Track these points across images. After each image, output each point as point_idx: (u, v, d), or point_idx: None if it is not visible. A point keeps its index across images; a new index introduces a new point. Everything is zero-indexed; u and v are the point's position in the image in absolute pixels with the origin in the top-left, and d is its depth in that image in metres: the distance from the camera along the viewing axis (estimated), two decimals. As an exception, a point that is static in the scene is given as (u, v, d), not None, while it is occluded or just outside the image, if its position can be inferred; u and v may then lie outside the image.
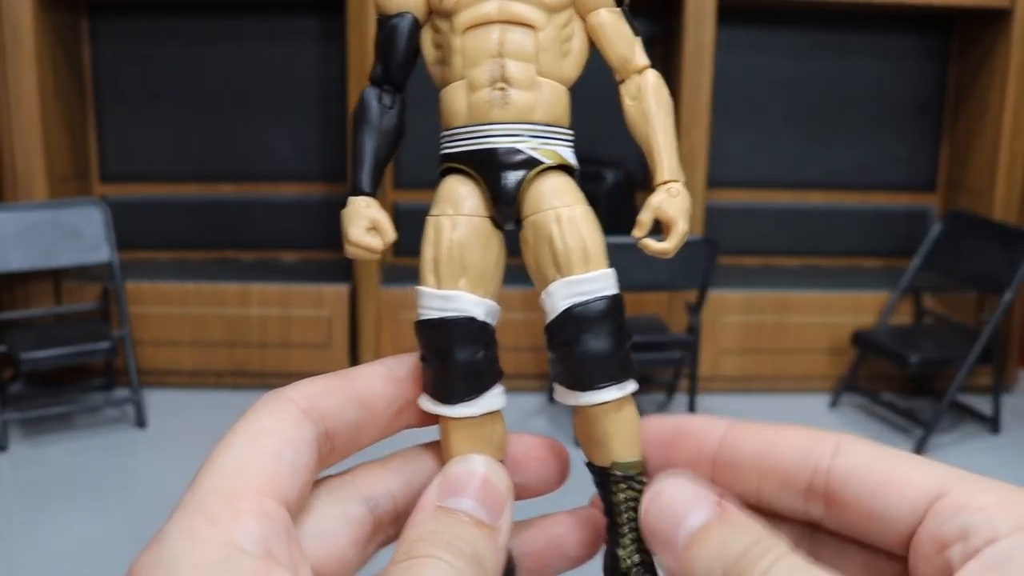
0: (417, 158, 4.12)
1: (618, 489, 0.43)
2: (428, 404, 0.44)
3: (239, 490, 0.35)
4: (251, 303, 3.58)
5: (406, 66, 0.49)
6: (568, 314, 0.45)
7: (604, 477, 0.44)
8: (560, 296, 0.46)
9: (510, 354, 4.15)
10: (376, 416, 0.43)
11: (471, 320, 0.45)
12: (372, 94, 0.48)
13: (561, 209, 0.47)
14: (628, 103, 0.49)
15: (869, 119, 3.94)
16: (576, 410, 0.45)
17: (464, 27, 0.47)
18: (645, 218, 0.47)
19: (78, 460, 3.05)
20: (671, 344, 3.20)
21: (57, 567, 2.44)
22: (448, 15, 0.47)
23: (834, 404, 3.55)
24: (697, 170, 3.48)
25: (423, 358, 0.45)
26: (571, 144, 0.48)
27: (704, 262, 3.05)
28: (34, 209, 3.29)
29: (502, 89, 0.47)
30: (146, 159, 3.88)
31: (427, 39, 0.49)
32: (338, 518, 0.40)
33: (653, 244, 0.47)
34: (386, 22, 0.49)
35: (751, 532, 0.37)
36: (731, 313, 3.57)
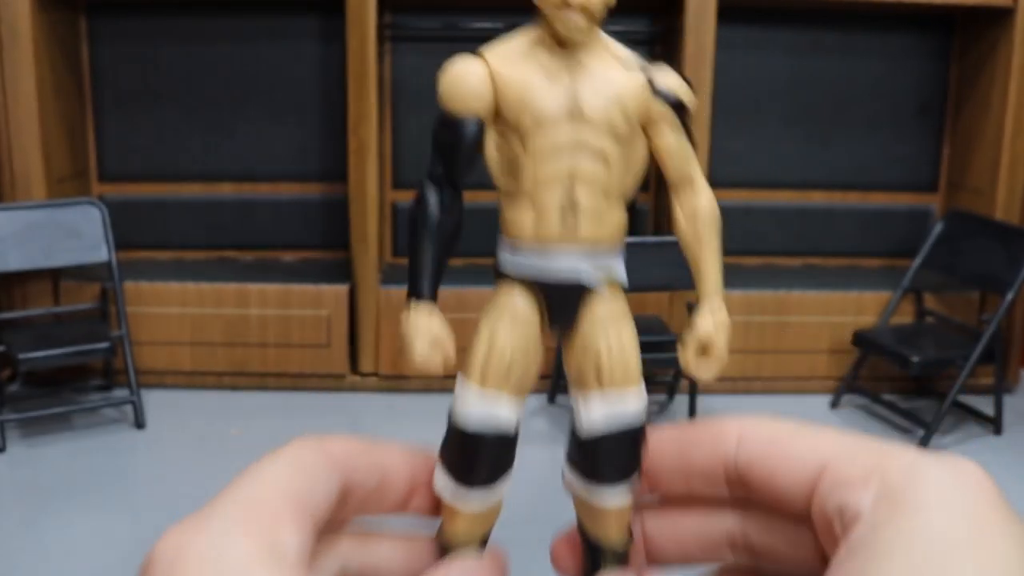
0: (417, 158, 4.12)
1: (607, 562, 0.48)
2: (443, 483, 0.47)
3: (280, 506, 0.37)
4: (251, 303, 3.57)
5: (469, 168, 0.49)
6: (603, 441, 0.48)
7: (597, 550, 0.49)
8: (597, 409, 0.49)
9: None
10: (392, 491, 0.45)
11: (504, 438, 0.47)
12: (433, 194, 0.48)
13: (611, 331, 0.50)
14: (683, 223, 0.51)
15: (870, 119, 3.93)
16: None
17: (538, 150, 0.47)
18: (690, 343, 0.52)
19: (77, 460, 3.04)
20: (671, 344, 3.19)
21: (57, 567, 2.44)
22: (521, 134, 0.47)
23: (835, 404, 3.54)
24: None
25: (444, 445, 0.47)
26: (622, 264, 0.51)
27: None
28: (32, 209, 3.28)
29: (571, 217, 0.47)
30: (145, 159, 3.88)
31: (491, 141, 0.49)
32: (315, 571, 0.41)
33: (697, 370, 0.52)
34: (452, 122, 0.49)
35: None
36: (731, 313, 3.49)
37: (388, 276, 3.67)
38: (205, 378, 3.60)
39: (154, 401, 3.43)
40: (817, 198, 3.99)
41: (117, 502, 2.81)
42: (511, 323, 0.48)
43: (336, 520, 0.42)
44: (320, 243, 3.94)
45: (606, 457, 0.48)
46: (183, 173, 3.90)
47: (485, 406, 0.47)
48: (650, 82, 0.49)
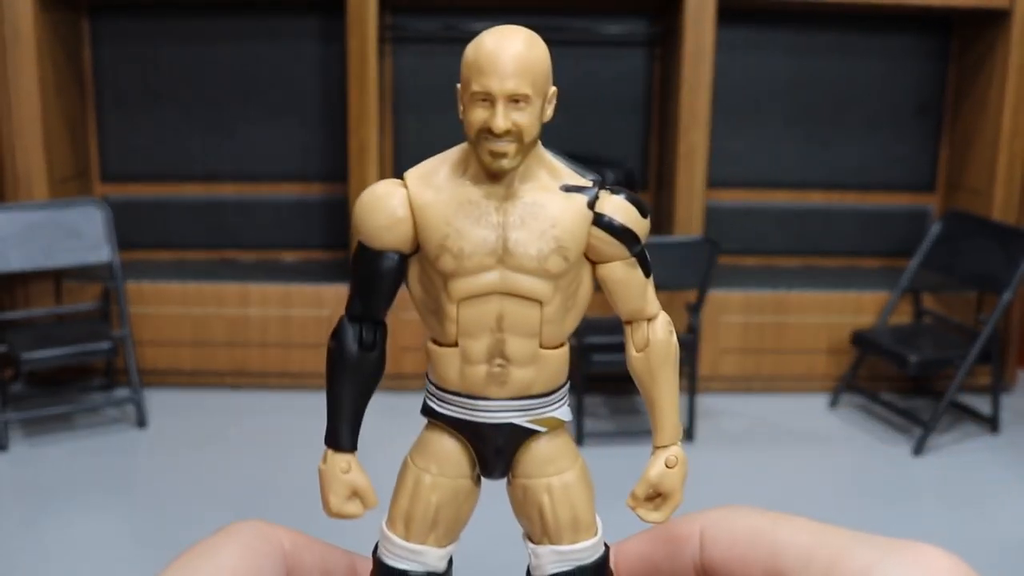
0: (417, 158, 4.12)
1: None
2: None
3: None
4: (251, 303, 3.58)
5: (388, 302, 0.46)
6: None
7: None
8: (548, 561, 0.46)
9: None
10: None
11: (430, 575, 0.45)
12: (351, 335, 0.45)
13: (553, 479, 0.46)
14: (634, 355, 0.47)
15: (869, 119, 3.94)
16: None
17: (460, 297, 0.44)
18: (640, 492, 0.47)
19: (78, 460, 3.05)
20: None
21: (57, 567, 2.44)
22: (444, 277, 0.44)
23: (834, 404, 3.55)
24: (697, 170, 3.48)
25: None
26: (565, 397, 0.47)
27: (704, 262, 3.05)
28: (34, 209, 3.29)
29: (501, 367, 0.44)
30: (146, 159, 3.89)
31: (413, 274, 0.46)
32: None
33: (647, 514, 0.47)
34: (368, 256, 0.44)
35: None
36: (731, 313, 3.58)
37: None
38: (206, 378, 3.61)
39: (155, 401, 3.44)
40: (816, 198, 4.00)
41: (118, 501, 2.82)
42: (438, 471, 0.45)
43: None
44: (321, 243, 3.95)
45: None
46: (184, 173, 3.91)
47: (410, 555, 0.45)
48: (593, 210, 0.44)
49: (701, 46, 3.44)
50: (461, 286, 0.43)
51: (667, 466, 0.47)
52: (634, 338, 0.47)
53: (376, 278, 0.44)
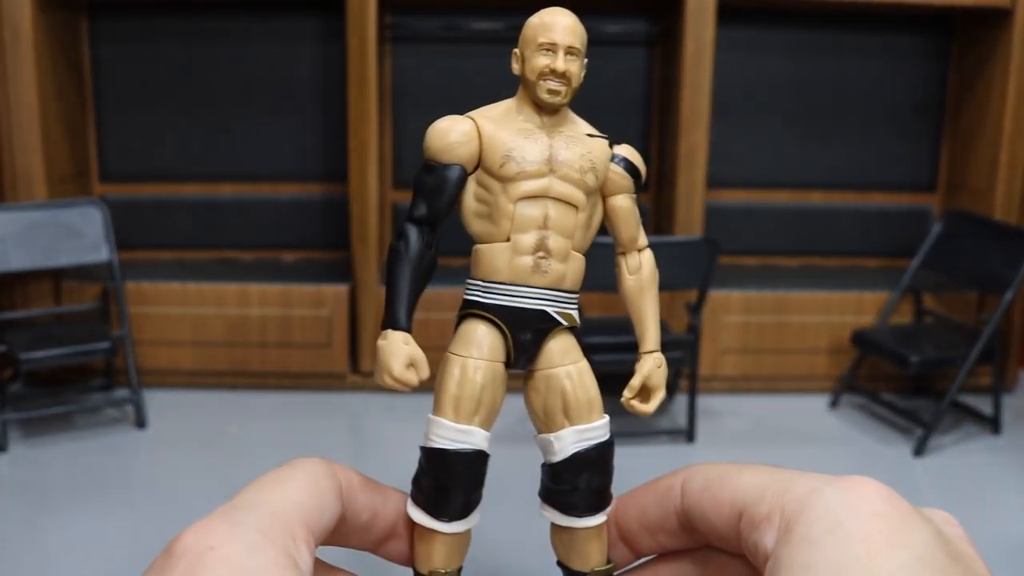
0: (417, 158, 4.12)
1: None
2: (420, 517, 0.50)
3: (298, 519, 0.39)
4: (251, 303, 3.58)
5: (448, 211, 0.55)
6: (575, 458, 0.53)
7: None
8: (570, 441, 0.54)
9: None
10: (375, 531, 0.48)
11: (480, 454, 0.52)
12: (414, 233, 0.55)
13: (570, 367, 0.56)
14: (627, 276, 0.58)
15: (869, 119, 3.94)
16: (559, 528, 0.54)
17: (518, 196, 0.53)
18: (636, 383, 0.57)
19: (78, 460, 3.05)
20: (671, 344, 3.19)
21: (57, 567, 2.44)
22: (504, 181, 0.54)
23: (834, 404, 3.55)
24: (697, 170, 3.47)
25: (421, 478, 0.51)
26: (578, 302, 0.57)
27: (704, 262, 3.04)
28: (34, 209, 3.29)
29: (543, 258, 0.53)
30: (146, 159, 3.88)
31: (470, 191, 0.55)
32: None
33: (638, 406, 0.57)
34: (436, 168, 0.55)
35: None
36: (731, 313, 3.57)
37: (388, 276, 3.67)
38: (206, 378, 3.61)
39: (155, 401, 3.43)
40: (816, 198, 3.99)
41: (118, 502, 2.82)
42: (479, 355, 0.52)
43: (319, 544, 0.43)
44: (320, 243, 3.95)
45: (582, 477, 0.53)
46: (184, 173, 3.90)
47: (460, 435, 0.51)
48: (612, 151, 0.57)
49: (701, 46, 3.44)
50: (520, 187, 0.53)
51: (655, 366, 0.57)
52: (628, 264, 0.59)
53: (443, 185, 0.54)
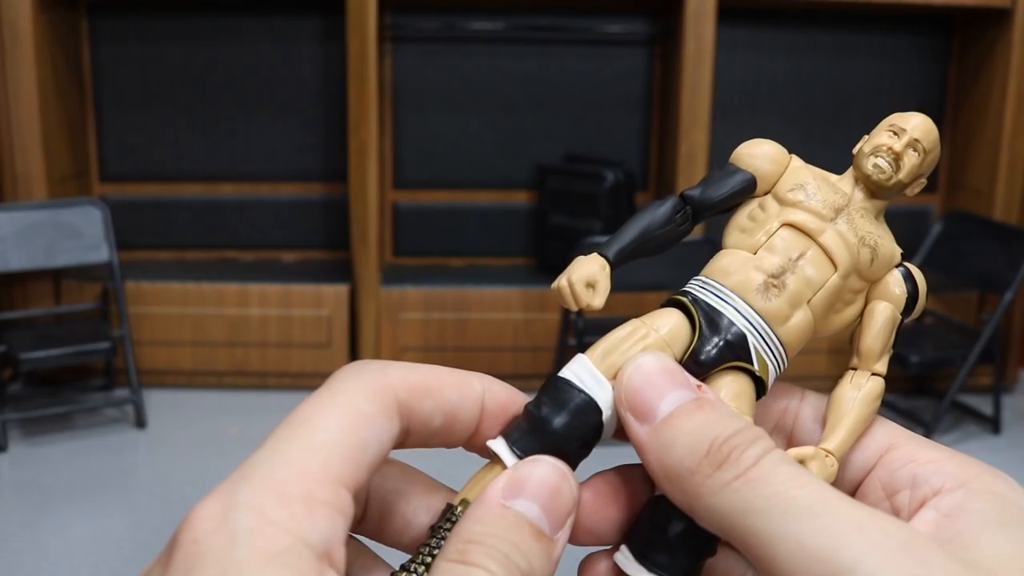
0: (417, 158, 4.12)
1: (448, 519, 0.42)
2: (502, 448, 0.44)
3: (321, 475, 0.33)
4: (251, 303, 3.57)
5: (718, 208, 0.52)
6: None
7: (447, 511, 0.43)
8: None
9: (509, 354, 4.12)
10: (451, 434, 0.42)
11: (596, 411, 0.47)
12: (675, 202, 0.51)
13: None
14: (848, 388, 0.53)
15: (869, 119, 3.90)
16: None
17: (788, 221, 0.51)
18: (795, 454, 0.49)
19: (78, 460, 3.05)
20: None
21: (57, 567, 2.44)
22: (784, 204, 0.51)
23: (834, 404, 3.55)
24: (697, 170, 3.47)
25: (532, 409, 0.46)
26: (779, 368, 0.52)
27: (704, 262, 3.03)
28: (34, 209, 3.29)
29: (775, 286, 0.50)
30: (146, 159, 3.88)
31: (747, 208, 0.52)
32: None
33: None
34: (734, 168, 0.52)
35: (738, 419, 0.40)
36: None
37: (388, 276, 3.67)
38: (206, 378, 3.61)
39: (155, 401, 3.43)
40: (816, 198, 3.99)
41: (118, 502, 2.82)
42: (658, 329, 0.48)
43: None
44: (320, 243, 3.95)
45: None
46: (184, 173, 3.90)
47: (589, 379, 0.47)
48: (900, 259, 0.52)
49: (701, 46, 3.43)
50: (795, 214, 0.51)
51: (821, 461, 0.51)
52: (856, 380, 0.54)
53: (728, 180, 0.52)
